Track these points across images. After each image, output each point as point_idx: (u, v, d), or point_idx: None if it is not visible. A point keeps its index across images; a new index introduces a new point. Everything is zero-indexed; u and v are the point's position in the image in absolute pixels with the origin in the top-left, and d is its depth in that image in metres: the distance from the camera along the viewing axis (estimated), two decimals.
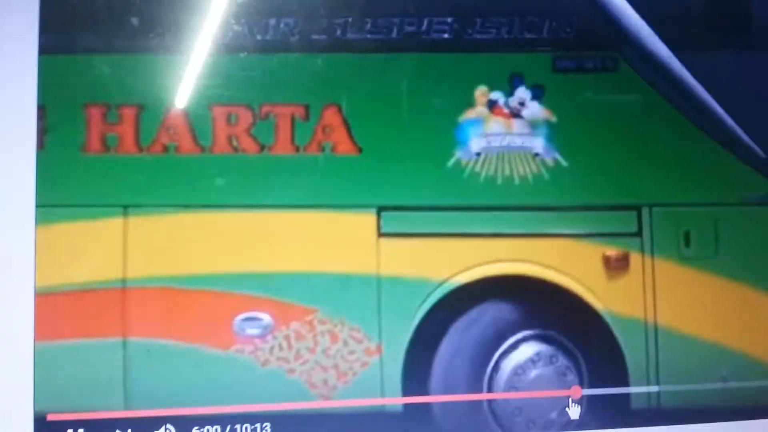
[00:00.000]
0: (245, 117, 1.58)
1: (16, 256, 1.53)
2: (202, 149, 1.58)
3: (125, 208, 1.54)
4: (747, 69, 1.57)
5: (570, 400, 1.55)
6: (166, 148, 1.54)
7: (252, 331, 1.51)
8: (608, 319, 1.48)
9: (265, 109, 1.60)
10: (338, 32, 1.63)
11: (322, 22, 1.63)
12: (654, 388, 1.52)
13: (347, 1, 1.60)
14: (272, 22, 1.47)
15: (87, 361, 1.42)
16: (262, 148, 1.56)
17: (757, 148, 1.56)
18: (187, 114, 1.56)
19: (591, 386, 1.54)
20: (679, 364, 1.48)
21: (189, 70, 1.62)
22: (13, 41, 1.72)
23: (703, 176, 1.49)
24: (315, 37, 1.63)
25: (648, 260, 1.49)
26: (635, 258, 1.48)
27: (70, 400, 1.44)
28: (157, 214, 1.53)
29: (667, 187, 1.50)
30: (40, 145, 1.50)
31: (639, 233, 1.49)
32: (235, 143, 1.56)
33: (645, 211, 1.51)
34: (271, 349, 1.58)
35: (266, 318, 1.46)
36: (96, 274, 1.50)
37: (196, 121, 1.53)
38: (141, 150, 1.53)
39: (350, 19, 1.63)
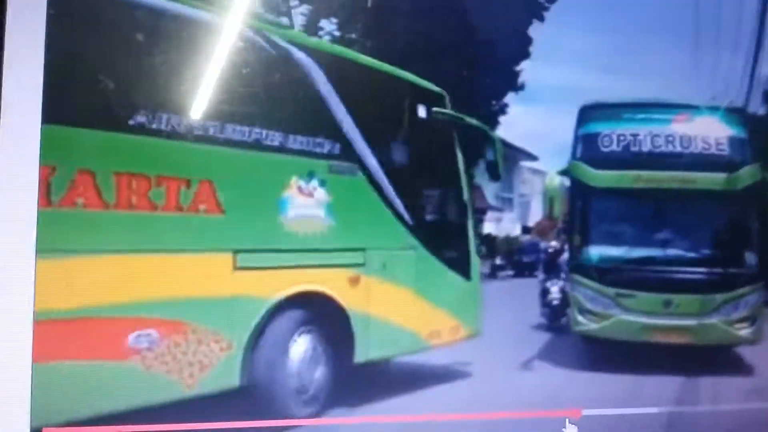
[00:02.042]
0: (143, 183, 2.52)
1: None
2: (107, 206, 2.41)
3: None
4: None
5: (567, 420, 2.29)
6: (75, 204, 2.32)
7: (142, 344, 2.46)
8: (348, 312, 2.90)
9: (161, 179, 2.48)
10: (212, 131, 2.61)
11: (201, 123, 2.59)
12: (653, 410, 3.33)
13: (220, 110, 2.63)
14: (164, 116, 2.52)
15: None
16: (156, 207, 2.52)
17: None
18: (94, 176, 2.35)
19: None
20: (377, 334, 2.85)
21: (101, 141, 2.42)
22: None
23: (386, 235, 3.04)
24: (196, 132, 2.56)
25: (366, 278, 2.88)
26: (363, 277, 2.91)
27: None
28: (68, 258, 2.25)
29: (376, 239, 2.95)
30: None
31: (364, 264, 2.92)
32: (134, 202, 2.50)
33: (368, 254, 2.93)
34: (156, 356, 2.37)
35: (154, 333, 2.45)
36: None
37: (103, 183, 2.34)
38: (51, 204, 2.26)
39: (221, 124, 2.64)
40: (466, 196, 3.66)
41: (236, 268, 2.55)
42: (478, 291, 3.74)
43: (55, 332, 2.14)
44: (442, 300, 3.37)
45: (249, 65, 2.75)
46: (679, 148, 5.22)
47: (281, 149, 2.76)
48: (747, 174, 5.17)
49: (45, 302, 2.13)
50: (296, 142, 2.81)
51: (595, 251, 5.18)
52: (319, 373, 2.97)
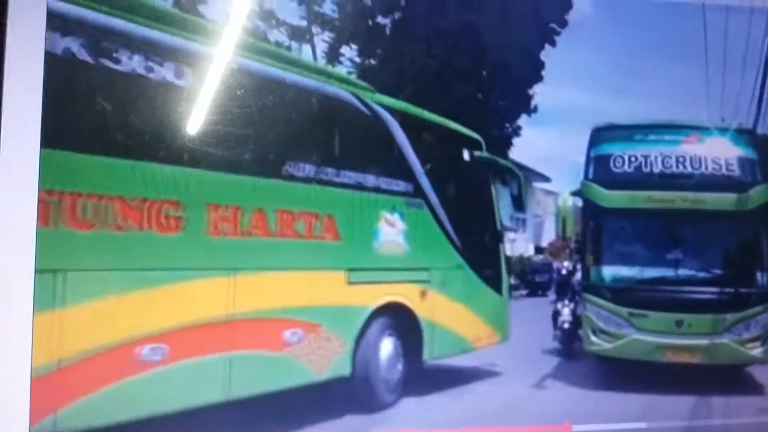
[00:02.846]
0: (289, 217, 3.43)
1: None
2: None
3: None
4: None
5: None
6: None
7: (294, 339, 3.31)
8: (420, 319, 3.68)
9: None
10: (333, 177, 3.46)
11: (327, 170, 3.43)
12: (641, 424, 3.57)
13: (338, 160, 3.42)
14: (306, 166, 3.36)
15: None
16: (300, 236, 3.50)
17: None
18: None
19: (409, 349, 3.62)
20: (439, 338, 3.65)
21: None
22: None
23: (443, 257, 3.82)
24: (323, 177, 3.36)
25: (431, 292, 3.65)
26: (429, 291, 3.68)
27: None
28: (248, 274, 3.27)
29: (437, 260, 3.80)
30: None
31: (429, 281, 3.69)
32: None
33: (431, 272, 3.75)
34: (302, 349, 3.26)
35: (300, 332, 3.42)
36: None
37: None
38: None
39: (338, 171, 3.45)
40: (499, 224, 4.47)
41: (348, 282, 3.47)
42: (508, 304, 4.54)
43: (238, 329, 3.08)
44: (482, 311, 4.24)
45: (349, 124, 3.67)
46: (689, 169, 5.28)
47: (375, 189, 3.68)
48: (757, 194, 5.22)
49: (212, 309, 3.01)
50: (383, 183, 3.71)
51: (608, 271, 5.24)
52: (398, 368, 3.83)
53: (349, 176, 3.51)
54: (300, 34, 4.10)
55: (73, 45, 2.58)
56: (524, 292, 5.99)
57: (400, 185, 3.80)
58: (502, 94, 5.32)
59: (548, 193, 6.59)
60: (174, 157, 2.89)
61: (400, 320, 3.73)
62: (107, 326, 2.66)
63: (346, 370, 3.48)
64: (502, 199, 4.59)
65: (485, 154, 4.26)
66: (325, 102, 3.51)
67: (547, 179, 6.48)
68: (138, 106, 2.80)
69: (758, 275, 5.20)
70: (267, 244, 3.13)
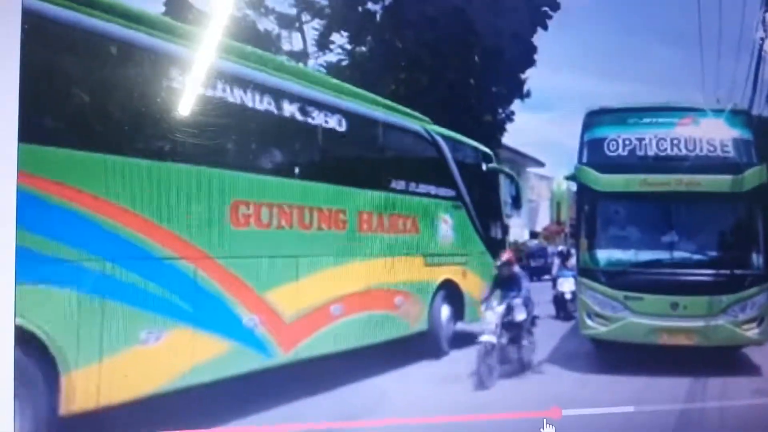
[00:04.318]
0: (396, 219, 4.72)
1: None
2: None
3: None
4: None
5: (545, 421, 2.28)
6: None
7: (400, 303, 4.74)
8: (463, 292, 5.21)
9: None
10: (417, 189, 4.85)
11: (415, 185, 4.81)
12: (629, 408, 3.63)
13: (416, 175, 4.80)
14: (403, 182, 4.79)
15: None
16: (401, 232, 4.86)
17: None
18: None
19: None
20: (471, 306, 5.01)
21: None
22: None
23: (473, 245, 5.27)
24: (412, 190, 4.78)
25: (468, 271, 5.08)
26: (467, 271, 5.07)
27: None
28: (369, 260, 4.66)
29: (470, 248, 5.19)
30: None
31: (466, 263, 5.12)
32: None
33: (467, 257, 5.12)
34: (403, 311, 4.69)
35: (401, 298, 4.77)
36: None
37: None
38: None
39: (417, 184, 4.79)
40: (504, 219, 5.70)
41: (425, 264, 4.84)
42: None
43: (372, 296, 4.48)
44: None
45: (420, 148, 5.03)
46: (684, 151, 5.24)
47: (434, 196, 4.99)
48: (752, 176, 5.19)
49: (361, 282, 4.42)
50: (440, 192, 5.04)
51: (603, 255, 5.24)
52: (451, 327, 5.11)
53: (422, 187, 4.89)
54: (289, 22, 4.09)
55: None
56: None
57: (449, 192, 5.14)
58: (494, 80, 5.33)
59: (542, 178, 6.60)
60: (346, 181, 4.39)
61: (450, 292, 5.09)
62: (318, 292, 4.11)
63: (425, 326, 4.91)
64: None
65: (495, 164, 5.52)
66: (406, 134, 4.91)
67: (541, 164, 6.49)
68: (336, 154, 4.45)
69: (754, 257, 5.19)
70: (384, 238, 4.54)
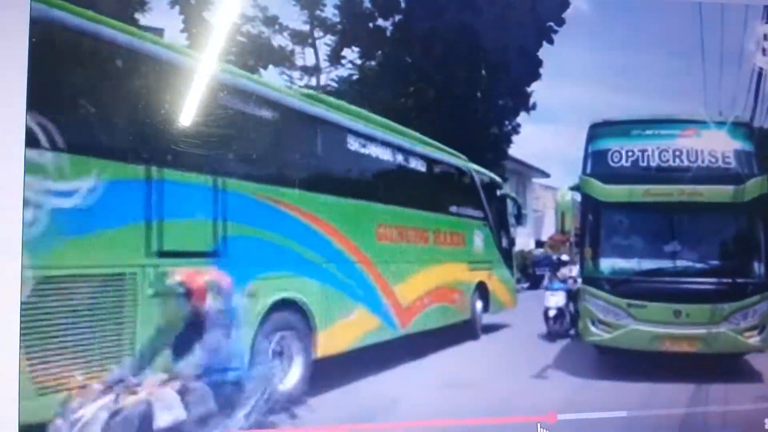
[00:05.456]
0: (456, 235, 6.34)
1: None
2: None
3: None
4: None
5: (539, 425, 2.27)
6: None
7: (456, 297, 6.33)
8: (489, 290, 6.42)
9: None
10: (461, 211, 6.35)
11: (465, 211, 6.33)
12: (622, 413, 3.91)
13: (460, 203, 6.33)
14: (454, 207, 6.44)
15: None
16: (456, 244, 6.39)
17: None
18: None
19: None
20: (495, 300, 6.41)
21: None
22: None
23: (494, 254, 6.61)
24: (462, 213, 6.36)
25: (492, 275, 6.43)
26: (492, 274, 6.43)
27: None
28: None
29: (492, 256, 6.53)
30: None
31: (492, 268, 6.49)
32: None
33: (491, 263, 6.49)
34: (456, 302, 6.23)
35: (457, 295, 6.29)
36: None
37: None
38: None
39: (460, 209, 6.24)
40: (512, 234, 6.84)
41: (468, 269, 6.15)
42: (514, 282, 6.91)
43: (441, 291, 5.87)
44: (508, 286, 6.64)
45: (465, 181, 6.25)
46: (686, 162, 5.33)
47: (472, 217, 6.32)
48: (754, 186, 5.27)
49: (434, 282, 5.85)
50: (475, 213, 6.36)
51: (607, 263, 5.33)
52: (482, 316, 6.29)
53: (465, 210, 6.22)
54: (303, 39, 4.24)
55: None
56: (525, 285, 6.27)
57: (479, 213, 6.41)
58: (501, 93, 5.48)
59: (547, 188, 6.77)
60: (428, 207, 5.84)
61: (481, 289, 6.30)
62: (416, 288, 5.54)
63: (468, 315, 6.14)
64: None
65: (506, 191, 6.77)
66: (455, 170, 6.23)
67: (546, 175, 6.65)
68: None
69: (755, 266, 5.27)
70: (448, 250, 5.94)
